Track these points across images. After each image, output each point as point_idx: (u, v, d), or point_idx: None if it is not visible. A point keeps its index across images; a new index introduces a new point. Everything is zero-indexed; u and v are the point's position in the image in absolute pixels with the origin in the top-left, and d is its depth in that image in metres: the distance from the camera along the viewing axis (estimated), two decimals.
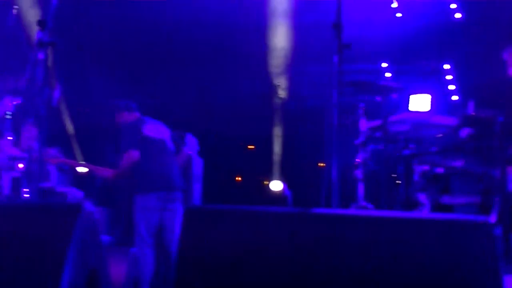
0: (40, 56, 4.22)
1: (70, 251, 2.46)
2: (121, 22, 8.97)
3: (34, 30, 4.45)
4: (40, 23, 4.70)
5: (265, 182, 11.68)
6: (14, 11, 6.03)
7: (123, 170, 5.78)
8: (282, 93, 10.14)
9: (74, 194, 7.25)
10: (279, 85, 9.88)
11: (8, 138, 5.92)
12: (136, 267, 5.55)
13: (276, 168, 11.31)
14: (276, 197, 10.96)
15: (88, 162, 7.67)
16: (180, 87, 9.61)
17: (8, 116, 5.86)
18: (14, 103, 5.90)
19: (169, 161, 5.94)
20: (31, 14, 7.36)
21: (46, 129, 3.80)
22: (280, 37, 9.38)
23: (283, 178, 11.06)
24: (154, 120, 6.18)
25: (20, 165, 6.23)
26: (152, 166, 5.79)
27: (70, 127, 8.91)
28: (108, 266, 3.09)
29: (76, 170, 7.53)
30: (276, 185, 11.12)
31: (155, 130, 6.07)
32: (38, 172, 5.51)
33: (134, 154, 5.73)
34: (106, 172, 6.10)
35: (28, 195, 5.66)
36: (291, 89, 10.25)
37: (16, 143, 6.16)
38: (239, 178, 12.78)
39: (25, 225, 2.51)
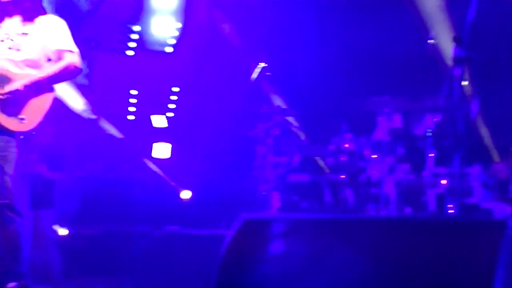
0: (457, 72, 4.21)
1: (498, 271, 2.36)
2: None
3: (450, 47, 4.47)
4: (456, 39, 4.70)
5: None
6: (431, 41, 5.92)
7: None
8: None
9: (501, 210, 7.01)
10: None
11: (430, 155, 6.07)
12: None
13: None
14: None
15: None
16: None
17: (428, 134, 6.01)
18: (434, 120, 6.03)
19: None
20: (447, 31, 7.44)
21: (464, 144, 3.77)
22: None
23: None
24: None
25: (443, 181, 6.31)
26: None
27: (488, 142, 8.69)
28: None
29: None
30: None
31: None
32: (461, 188, 5.50)
33: None
34: None
35: (452, 211, 5.70)
36: None
37: (437, 159, 6.26)
38: None
39: (448, 242, 2.50)
